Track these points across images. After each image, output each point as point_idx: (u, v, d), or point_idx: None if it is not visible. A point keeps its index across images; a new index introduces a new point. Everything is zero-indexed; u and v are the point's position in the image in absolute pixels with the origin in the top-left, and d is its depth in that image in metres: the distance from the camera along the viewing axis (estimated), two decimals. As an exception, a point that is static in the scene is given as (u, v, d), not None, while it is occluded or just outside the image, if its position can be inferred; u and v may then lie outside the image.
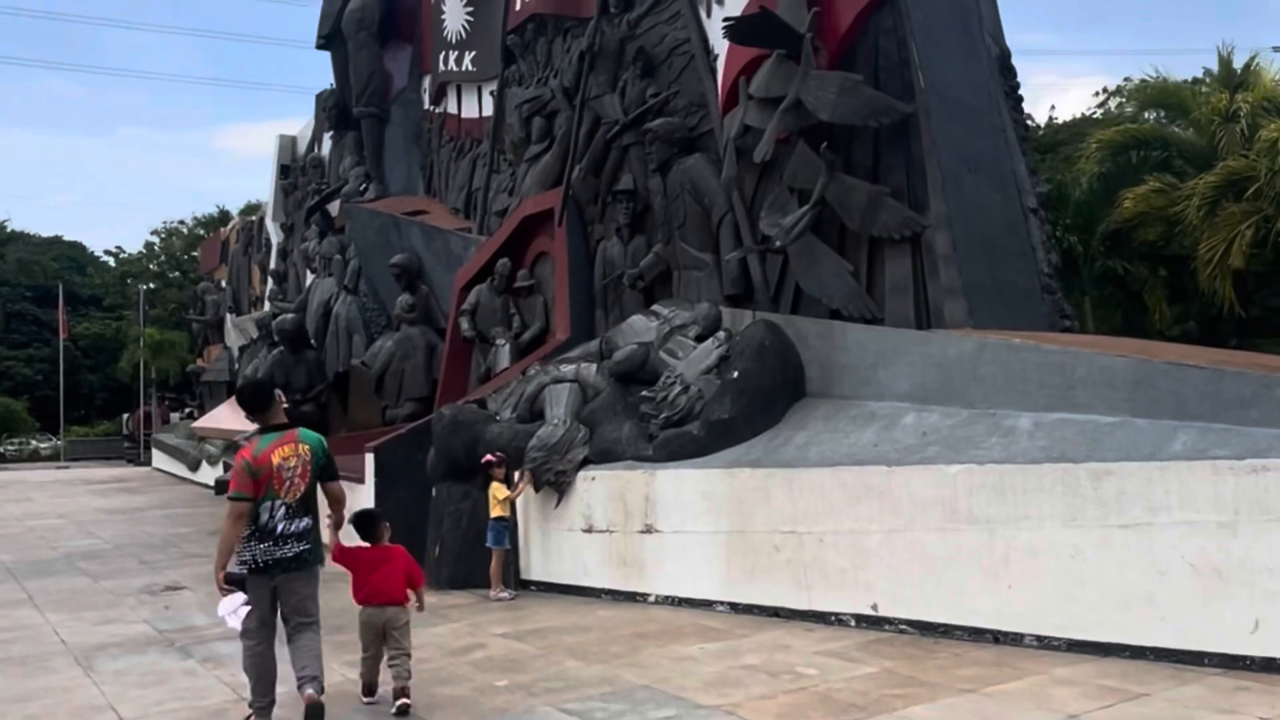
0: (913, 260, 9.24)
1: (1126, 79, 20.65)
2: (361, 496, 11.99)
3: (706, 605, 8.76)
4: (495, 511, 9.75)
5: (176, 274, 58.91)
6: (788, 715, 5.78)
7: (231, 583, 5.81)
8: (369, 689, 6.38)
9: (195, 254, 60.01)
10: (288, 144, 25.24)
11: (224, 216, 56.92)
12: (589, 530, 9.66)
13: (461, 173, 17.15)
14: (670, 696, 6.19)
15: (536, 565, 10.13)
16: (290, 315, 17.36)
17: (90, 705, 6.48)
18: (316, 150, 22.69)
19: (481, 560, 10.21)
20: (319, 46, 20.63)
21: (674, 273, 12.01)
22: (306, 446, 5.86)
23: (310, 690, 5.70)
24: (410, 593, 6.48)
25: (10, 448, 49.37)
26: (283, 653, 5.89)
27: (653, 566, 9.19)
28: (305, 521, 5.80)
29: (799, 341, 9.63)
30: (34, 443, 53.26)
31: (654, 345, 10.37)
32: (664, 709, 5.96)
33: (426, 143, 18.51)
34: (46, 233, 64.51)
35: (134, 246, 62.88)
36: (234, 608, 5.80)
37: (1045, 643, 7.00)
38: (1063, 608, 6.96)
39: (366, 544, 6.50)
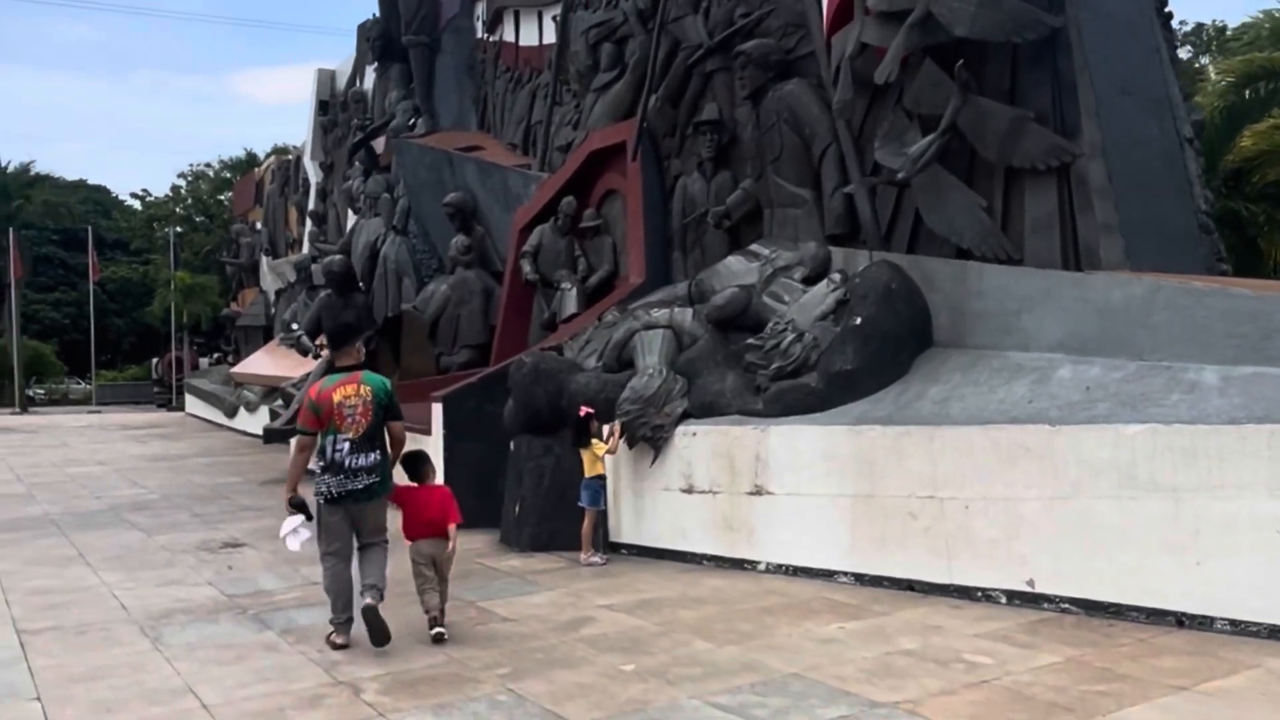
0: (1059, 194, 8.23)
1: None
2: (428, 449, 11.18)
3: (826, 576, 7.92)
4: (593, 469, 8.90)
5: (203, 219, 58.09)
6: (983, 719, 4.93)
7: (295, 506, 6.43)
8: (434, 620, 6.49)
9: (222, 198, 59.39)
10: (326, 79, 24.19)
11: (251, 160, 56.02)
12: (689, 491, 8.81)
13: (520, 105, 16.13)
14: (834, 690, 5.35)
15: (628, 527, 9.31)
16: (338, 256, 16.47)
17: (166, 688, 5.71)
18: (358, 84, 21.67)
19: (566, 520, 9.41)
20: (362, -27, 19.49)
21: (765, 210, 11.05)
22: (369, 388, 6.32)
23: (369, 598, 6.22)
24: (449, 528, 6.63)
25: (39, 392, 49.11)
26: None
27: (763, 532, 8.34)
28: (373, 456, 6.26)
29: (925, 284, 8.67)
30: (65, 385, 53.10)
31: (755, 289, 9.44)
32: (833, 706, 5.13)
33: (480, 74, 17.47)
34: (69, 177, 63.86)
35: (159, 190, 62.11)
36: (293, 528, 6.47)
37: (1241, 628, 6.13)
38: (1264, 589, 6.07)
39: (414, 484, 6.78)
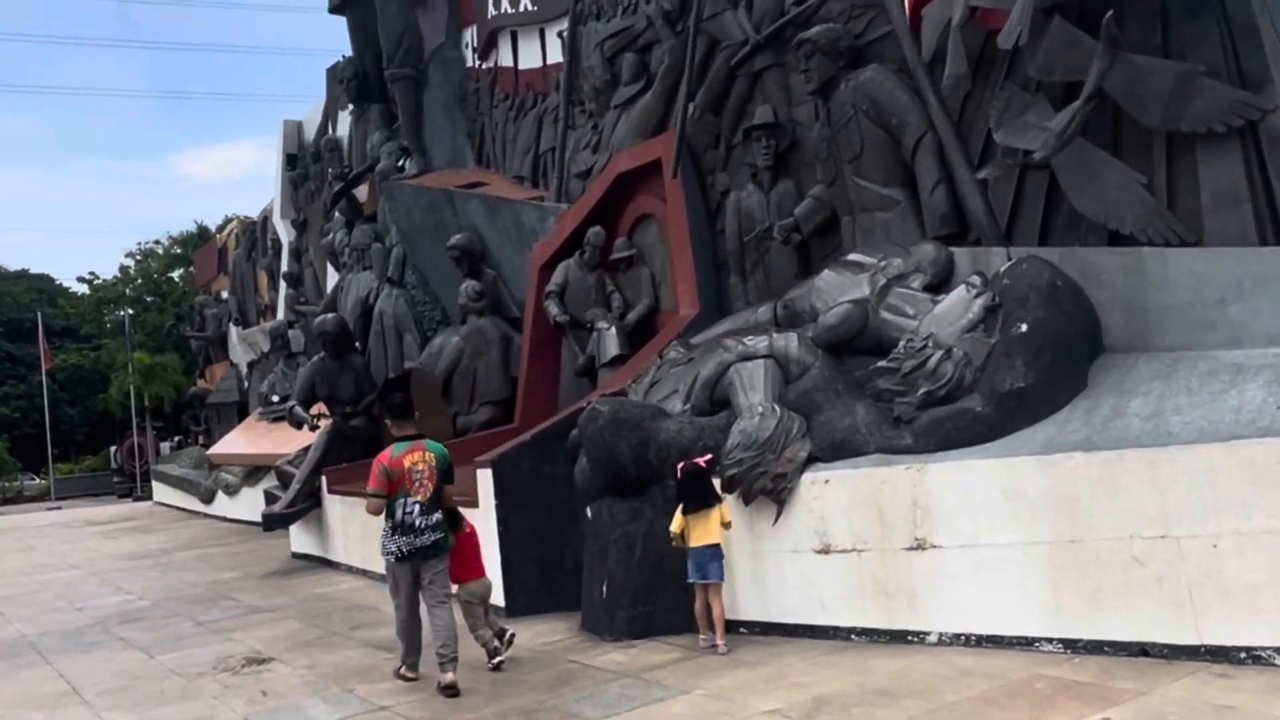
0: (1245, 159, 6.89)
1: None
2: (476, 522, 9.53)
3: (1024, 645, 6.38)
4: (706, 537, 7.29)
5: (155, 298, 55.82)
6: None
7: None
8: (492, 652, 7.31)
9: (174, 275, 57.26)
10: (293, 131, 22.61)
11: (203, 233, 54.11)
12: (824, 551, 7.25)
13: (525, 134, 14.69)
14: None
15: (747, 601, 7.71)
16: (330, 315, 14.83)
17: None
18: (331, 131, 20.14)
19: (667, 599, 7.84)
20: (332, 9, 18.13)
21: (844, 219, 9.64)
22: (432, 455, 7.16)
23: (450, 675, 6.84)
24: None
25: (-10, 492, 46.38)
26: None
27: (930, 595, 6.79)
28: (436, 516, 7.08)
29: (1086, 280, 7.24)
30: (19, 482, 50.30)
31: (869, 304, 7.98)
32: None
33: (474, 105, 16.03)
34: (10, 267, 61.34)
35: (107, 274, 59.74)
36: None
37: None
38: None
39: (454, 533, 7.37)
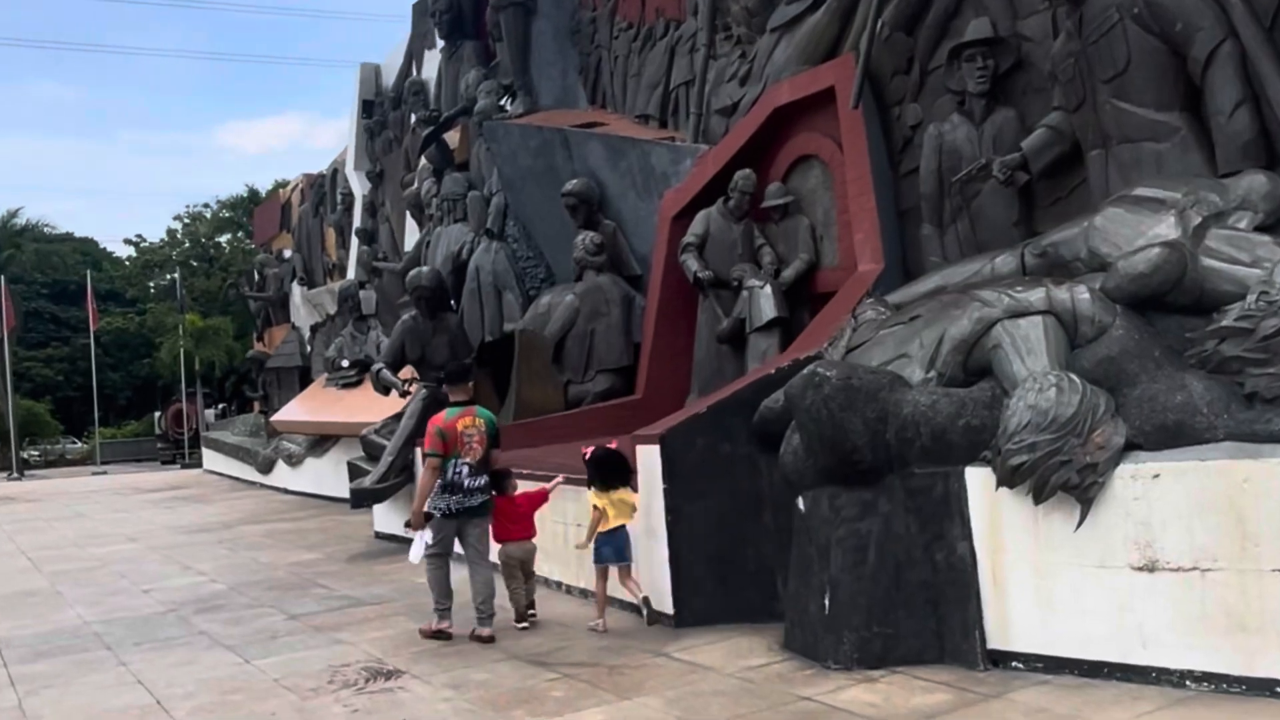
0: None
1: None
2: (640, 510, 7.86)
3: None
4: (622, 517, 7.67)
5: (202, 262, 54.69)
6: None
7: (427, 518, 7.60)
8: (520, 615, 7.79)
9: (221, 240, 56.19)
10: (370, 75, 20.96)
11: (254, 197, 52.88)
12: (1149, 568, 5.48)
13: (652, 67, 12.93)
14: None
15: (1024, 626, 5.95)
16: (426, 270, 13.16)
17: None
18: (415, 73, 18.44)
19: (910, 619, 6.16)
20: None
21: (1093, 152, 7.83)
22: (482, 420, 7.70)
23: (486, 629, 7.44)
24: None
25: (34, 454, 45.49)
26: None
27: (1317, 633, 5.02)
28: (483, 478, 7.67)
29: None
30: (61, 445, 49.56)
31: (1186, 247, 6.18)
32: None
33: (588, 37, 14.27)
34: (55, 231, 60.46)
35: (153, 237, 58.78)
36: (426, 540, 7.60)
37: None
38: None
39: (499, 495, 7.86)
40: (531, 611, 7.89)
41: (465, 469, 7.49)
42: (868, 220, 9.52)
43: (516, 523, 7.87)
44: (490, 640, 7.32)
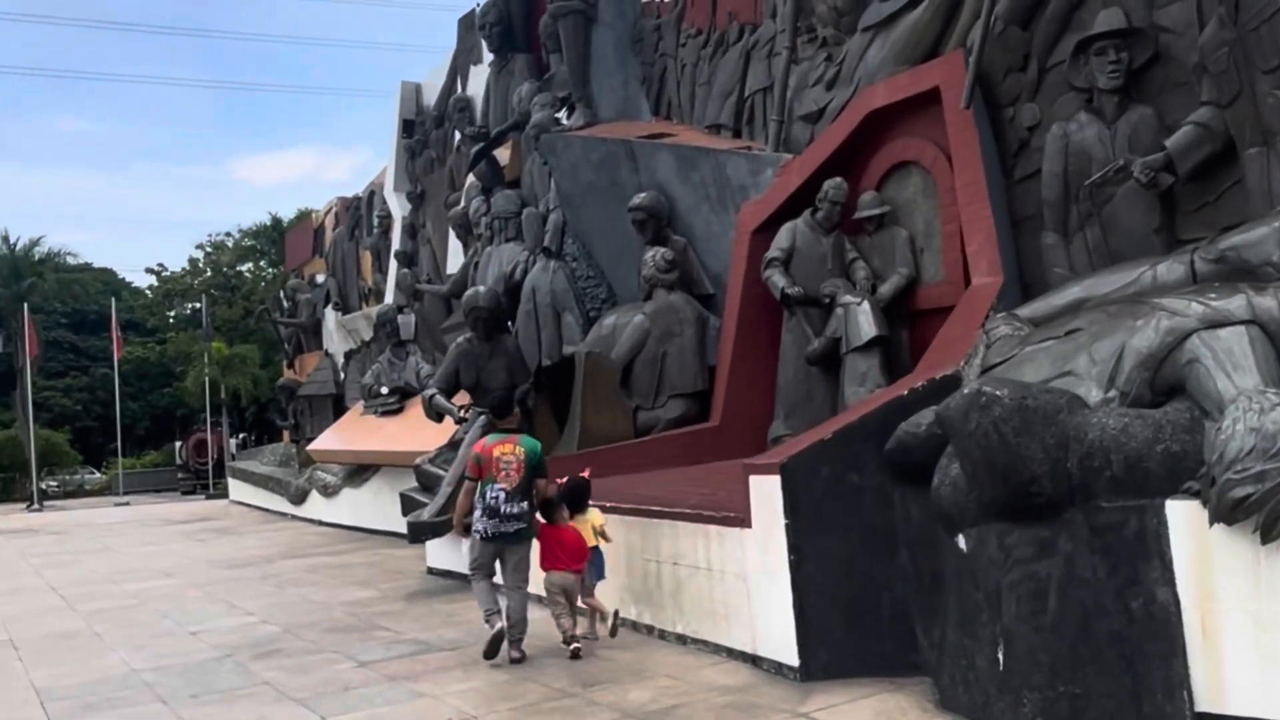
0: None
1: None
2: (752, 546, 7.08)
3: None
4: (590, 540, 8.26)
5: (224, 292, 54.21)
6: None
7: (468, 529, 7.94)
8: (567, 639, 7.74)
9: (243, 270, 55.79)
10: (411, 93, 20.37)
11: (277, 224, 52.57)
12: None
13: (724, 74, 12.23)
14: None
15: (1241, 687, 5.10)
16: (483, 289, 12.42)
17: None
18: (460, 90, 17.83)
19: (1101, 677, 5.29)
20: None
21: (1249, 151, 7.09)
22: (523, 449, 7.79)
23: (516, 652, 7.66)
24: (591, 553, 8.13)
25: (53, 484, 44.86)
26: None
27: None
28: (523, 505, 7.69)
29: None
30: (80, 475, 48.95)
31: None
32: None
33: (652, 46, 13.61)
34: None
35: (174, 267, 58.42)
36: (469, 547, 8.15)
37: None
38: None
39: (548, 523, 8.01)
40: (574, 636, 7.80)
41: (501, 494, 7.60)
42: (982, 230, 8.76)
43: (563, 554, 7.92)
44: (521, 660, 7.59)
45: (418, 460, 12.45)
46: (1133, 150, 7.86)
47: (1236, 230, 6.49)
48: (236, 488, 28.96)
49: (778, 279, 10.13)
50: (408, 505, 12.17)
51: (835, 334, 9.74)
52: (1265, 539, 4.93)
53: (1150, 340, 5.71)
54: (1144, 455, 5.33)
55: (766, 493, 7.00)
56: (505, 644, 7.70)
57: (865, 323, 9.44)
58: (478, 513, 7.74)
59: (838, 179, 10.05)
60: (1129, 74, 7.94)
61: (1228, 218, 7.41)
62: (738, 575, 7.35)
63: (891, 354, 9.61)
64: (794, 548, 6.79)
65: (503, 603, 7.78)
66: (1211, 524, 5.08)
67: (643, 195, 11.82)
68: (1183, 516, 5.24)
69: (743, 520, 7.21)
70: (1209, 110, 7.39)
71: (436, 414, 12.75)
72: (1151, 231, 7.85)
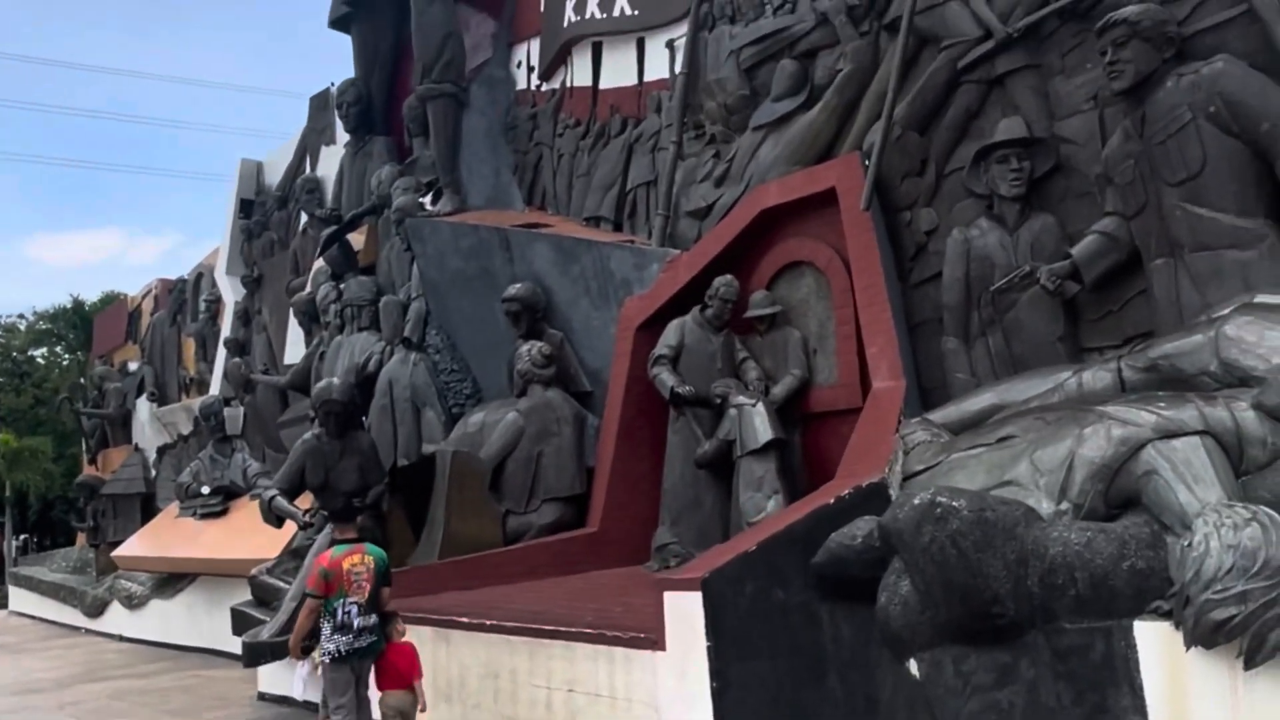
0: None
1: None
2: (667, 670, 6.38)
3: None
4: None
5: (14, 379, 49.66)
6: None
7: (306, 652, 7.65)
8: None
9: (38, 354, 51.46)
10: (251, 171, 19.18)
11: (78, 307, 48.91)
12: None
13: (605, 166, 11.88)
14: None
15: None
16: (336, 381, 11.39)
17: None
18: (309, 169, 16.87)
19: (1074, 816, 4.82)
20: (333, 24, 15.17)
21: (1156, 262, 7.17)
22: (371, 558, 7.40)
23: None
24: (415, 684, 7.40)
25: None
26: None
27: None
28: (373, 618, 7.34)
29: None
30: None
31: (1352, 359, 5.38)
32: None
33: (526, 135, 13.16)
34: None
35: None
36: (305, 672, 7.95)
37: None
38: None
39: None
40: None
41: (355, 609, 7.24)
42: (882, 333, 8.57)
43: (399, 673, 7.47)
44: None
45: (254, 570, 11.15)
46: (1035, 257, 7.87)
47: (1166, 339, 6.41)
48: (18, 596, 25.86)
49: (666, 377, 9.66)
50: (241, 623, 10.81)
51: (728, 436, 9.28)
52: (1249, 664, 4.63)
53: (1102, 450, 5.46)
54: (1110, 573, 5.00)
55: (685, 611, 6.34)
56: None
57: (761, 425, 9.03)
58: (327, 631, 7.20)
59: (728, 276, 9.76)
60: (1030, 182, 8.00)
61: (1131, 327, 7.46)
62: (647, 704, 6.61)
63: (787, 457, 9.24)
64: (716, 673, 6.13)
65: None
66: (1188, 647, 4.76)
67: (518, 286, 11.21)
68: (1153, 639, 4.92)
69: (655, 642, 6.51)
70: (1114, 220, 7.46)
71: (277, 518, 11.48)
72: (1055, 339, 7.82)
